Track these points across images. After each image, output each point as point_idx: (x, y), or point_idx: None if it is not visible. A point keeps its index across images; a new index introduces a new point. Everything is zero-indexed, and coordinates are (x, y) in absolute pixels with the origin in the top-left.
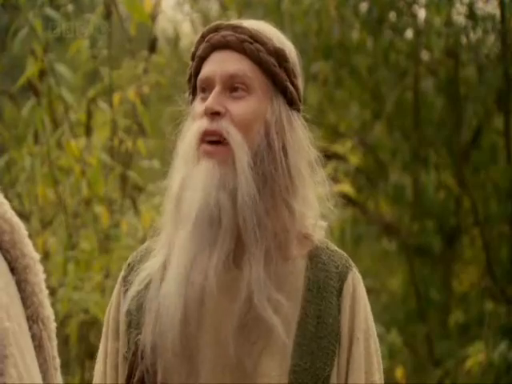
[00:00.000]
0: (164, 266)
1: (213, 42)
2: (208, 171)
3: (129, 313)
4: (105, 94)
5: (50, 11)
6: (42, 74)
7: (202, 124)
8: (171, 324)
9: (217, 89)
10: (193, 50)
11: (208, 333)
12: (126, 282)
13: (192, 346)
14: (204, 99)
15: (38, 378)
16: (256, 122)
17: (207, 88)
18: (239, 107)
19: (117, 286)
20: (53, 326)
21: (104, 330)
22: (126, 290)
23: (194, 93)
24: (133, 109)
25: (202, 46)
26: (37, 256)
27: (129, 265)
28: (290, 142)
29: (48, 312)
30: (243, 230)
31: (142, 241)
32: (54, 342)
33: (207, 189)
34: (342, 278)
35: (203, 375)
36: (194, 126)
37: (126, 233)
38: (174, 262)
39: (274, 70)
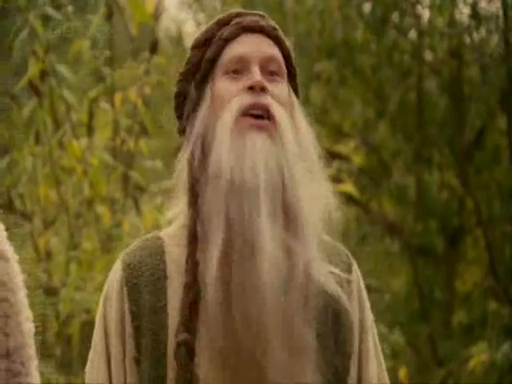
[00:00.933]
0: (231, 242)
1: (244, 25)
2: (262, 140)
3: (137, 316)
4: (106, 95)
5: (51, 11)
6: (44, 74)
7: (247, 98)
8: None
9: (256, 68)
10: (205, 35)
11: (276, 310)
12: (129, 283)
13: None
14: (236, 78)
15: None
16: (286, 108)
17: (241, 68)
18: (277, 89)
19: (115, 288)
20: (31, 327)
21: (100, 331)
22: (130, 293)
23: (205, 76)
24: (134, 109)
25: (228, 29)
26: (10, 250)
27: (128, 265)
28: (303, 132)
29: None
30: (295, 206)
31: None
32: (32, 344)
33: (267, 155)
34: (349, 270)
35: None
36: (236, 101)
37: (127, 233)
38: (260, 233)
39: (292, 63)
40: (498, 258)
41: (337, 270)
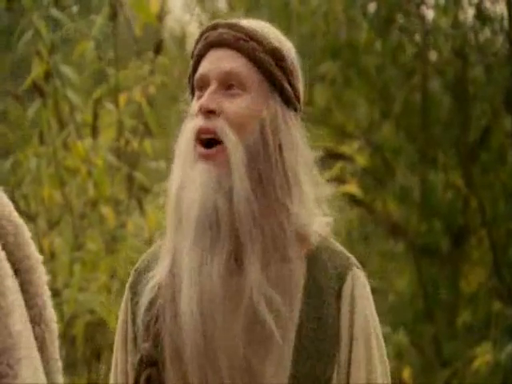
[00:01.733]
0: (172, 272)
1: (209, 40)
2: (204, 174)
3: (135, 323)
4: (111, 95)
5: (55, 12)
6: (48, 75)
7: (197, 122)
8: (191, 329)
9: (212, 87)
10: (192, 48)
11: (220, 337)
12: (133, 288)
13: (209, 349)
14: (200, 97)
15: (43, 379)
16: (251, 120)
17: (203, 86)
18: (234, 105)
19: (125, 293)
20: (55, 327)
21: (116, 337)
22: (133, 298)
23: (193, 92)
24: (139, 109)
25: (199, 45)
26: (40, 258)
27: (135, 270)
28: (285, 141)
29: (51, 314)
30: (240, 231)
31: (148, 241)
32: (56, 344)
33: (204, 192)
34: (341, 279)
35: (222, 377)
36: (190, 125)
37: (132, 233)
38: (184, 269)
39: (269, 69)
40: (503, 259)
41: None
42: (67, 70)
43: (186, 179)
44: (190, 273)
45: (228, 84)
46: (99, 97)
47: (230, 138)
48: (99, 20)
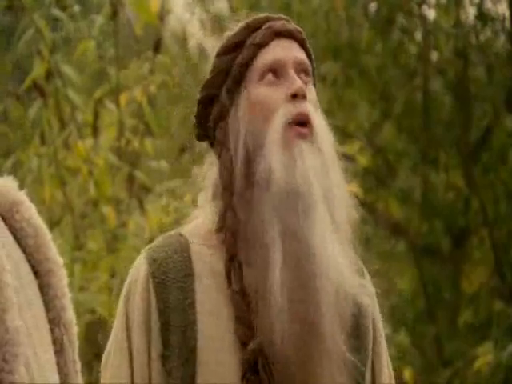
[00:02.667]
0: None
1: (275, 30)
2: (309, 152)
3: (164, 312)
4: (112, 95)
5: (56, 12)
6: (49, 74)
7: (291, 108)
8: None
9: (292, 73)
10: (233, 41)
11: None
12: (156, 278)
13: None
14: (274, 83)
15: (53, 379)
16: (317, 109)
17: (278, 71)
18: (310, 94)
19: (140, 283)
20: (74, 330)
21: (121, 328)
22: (157, 286)
23: (239, 81)
24: (139, 109)
25: (260, 34)
26: (61, 261)
27: (155, 260)
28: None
29: (70, 316)
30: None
31: (149, 241)
32: (75, 346)
33: (315, 168)
34: (363, 274)
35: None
36: (282, 112)
37: (132, 233)
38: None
39: (314, 65)
40: (504, 258)
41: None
42: (68, 70)
43: (289, 157)
44: (329, 247)
45: (301, 74)
46: (100, 96)
47: (321, 122)
48: (100, 20)
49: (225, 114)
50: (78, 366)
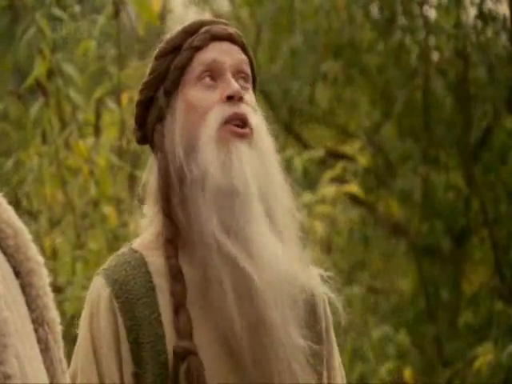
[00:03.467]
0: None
1: (213, 33)
2: (247, 151)
3: (133, 330)
4: (113, 94)
5: (57, 11)
6: (50, 74)
7: (226, 109)
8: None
9: (229, 76)
10: (171, 44)
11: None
12: (119, 297)
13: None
14: (211, 86)
15: (43, 375)
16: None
17: (216, 74)
18: (248, 96)
19: (103, 305)
20: (58, 328)
21: (87, 351)
22: (122, 306)
23: (174, 87)
24: None
25: (196, 38)
26: (41, 260)
27: (116, 280)
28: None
29: (53, 315)
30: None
31: None
32: (60, 345)
33: (253, 167)
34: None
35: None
36: (216, 112)
37: (133, 233)
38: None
39: (254, 69)
40: (505, 259)
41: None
42: (69, 69)
43: (225, 154)
44: (266, 245)
45: (240, 76)
46: (101, 96)
47: (259, 123)
48: (101, 19)
49: (161, 117)
50: (65, 364)
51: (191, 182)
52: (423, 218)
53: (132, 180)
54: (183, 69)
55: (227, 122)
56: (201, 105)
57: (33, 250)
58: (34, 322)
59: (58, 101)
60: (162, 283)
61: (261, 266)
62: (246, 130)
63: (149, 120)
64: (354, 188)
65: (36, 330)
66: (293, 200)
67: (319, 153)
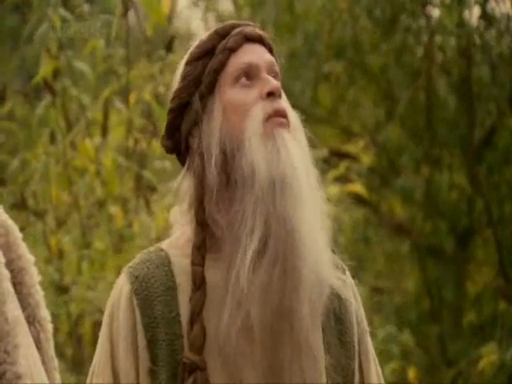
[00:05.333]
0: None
1: (246, 34)
2: (291, 141)
3: (150, 327)
4: (121, 94)
5: (63, 12)
6: (57, 73)
7: (267, 105)
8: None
9: (266, 75)
10: (204, 48)
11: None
12: (139, 295)
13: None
14: (248, 86)
15: (43, 373)
16: None
17: (252, 74)
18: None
19: (123, 301)
20: (50, 327)
21: (106, 345)
22: (141, 305)
23: (210, 90)
24: (148, 109)
25: (229, 39)
26: (32, 258)
27: (137, 277)
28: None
29: (44, 313)
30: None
31: (155, 241)
32: (51, 343)
33: (298, 154)
34: (344, 271)
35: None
36: (258, 109)
37: (139, 233)
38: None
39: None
40: (508, 259)
41: (338, 272)
42: (80, 65)
43: (272, 145)
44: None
45: (271, 75)
46: (109, 96)
47: (297, 120)
48: (111, 19)
49: (198, 121)
50: (56, 362)
51: (238, 181)
52: (427, 217)
53: (138, 180)
54: (219, 71)
55: (269, 117)
56: (241, 104)
57: (23, 249)
58: (25, 320)
59: (64, 100)
60: (184, 284)
61: (306, 261)
62: (286, 121)
63: (183, 126)
64: (357, 187)
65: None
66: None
67: (323, 152)
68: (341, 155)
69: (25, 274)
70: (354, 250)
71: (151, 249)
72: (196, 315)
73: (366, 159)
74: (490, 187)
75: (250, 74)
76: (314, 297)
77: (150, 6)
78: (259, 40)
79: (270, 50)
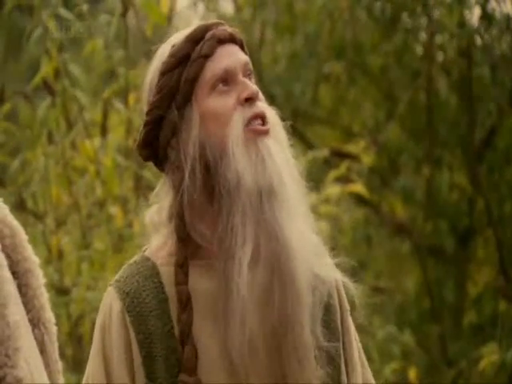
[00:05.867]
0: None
1: (219, 37)
2: (274, 148)
3: (145, 344)
4: (120, 94)
5: (63, 12)
6: (57, 73)
7: (246, 111)
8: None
9: (241, 77)
10: (178, 56)
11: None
12: (132, 312)
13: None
14: (225, 92)
15: (46, 377)
16: None
17: (229, 79)
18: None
19: (116, 318)
20: (54, 329)
21: (99, 365)
22: (134, 320)
23: (186, 100)
24: None
25: (206, 44)
26: (37, 260)
27: (127, 294)
28: None
29: (49, 315)
30: None
31: None
32: (56, 346)
33: (283, 163)
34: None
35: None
36: (238, 115)
37: (139, 233)
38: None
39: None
40: (509, 259)
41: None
42: (76, 69)
43: (256, 154)
44: (302, 245)
45: (246, 75)
46: (109, 96)
47: (275, 119)
48: (110, 19)
49: (176, 132)
50: (60, 365)
51: (224, 191)
52: (427, 217)
53: (138, 180)
54: (195, 80)
55: (249, 122)
56: (220, 112)
57: (29, 250)
58: (30, 322)
59: (64, 101)
60: (174, 296)
61: (299, 268)
62: (268, 127)
63: (161, 136)
64: (358, 187)
65: (32, 331)
66: (305, 191)
67: (323, 153)
68: (341, 155)
69: (30, 276)
70: (355, 250)
71: (137, 259)
72: (186, 336)
73: (367, 159)
74: (491, 187)
75: (226, 79)
76: (310, 299)
77: (149, 6)
78: (231, 40)
79: (241, 46)
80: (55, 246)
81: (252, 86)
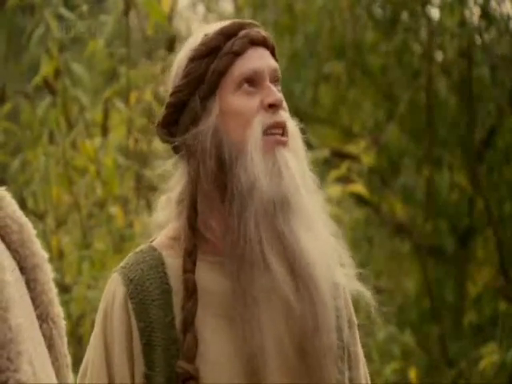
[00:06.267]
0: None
1: (251, 38)
2: (292, 161)
3: (146, 332)
4: (121, 94)
5: (64, 11)
6: (58, 73)
7: (267, 117)
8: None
9: (268, 82)
10: (208, 46)
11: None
12: (134, 299)
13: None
14: (250, 93)
15: (53, 375)
16: None
17: (256, 81)
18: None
19: (118, 304)
20: (63, 323)
21: (99, 349)
22: (136, 307)
23: (211, 92)
24: (149, 108)
25: (235, 42)
26: (45, 255)
27: (131, 280)
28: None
29: (58, 310)
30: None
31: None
32: (65, 340)
33: (299, 175)
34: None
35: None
36: (258, 121)
37: (139, 233)
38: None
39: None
40: (509, 259)
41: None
42: (77, 68)
43: (273, 164)
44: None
45: (274, 82)
46: (110, 95)
47: (296, 131)
48: (111, 19)
49: (196, 121)
50: (69, 359)
51: (237, 192)
52: (427, 217)
53: (139, 180)
54: (222, 74)
55: (269, 129)
56: (243, 112)
57: (37, 245)
58: (38, 318)
59: (65, 101)
60: (178, 286)
61: (316, 274)
62: (287, 138)
63: (181, 122)
64: (358, 188)
65: (40, 326)
66: (322, 202)
67: (324, 153)
68: (342, 155)
69: (39, 271)
70: (355, 250)
71: (144, 248)
72: (189, 324)
73: (367, 159)
74: (491, 187)
75: (253, 80)
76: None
77: (150, 5)
78: (264, 44)
79: (273, 52)
80: (56, 246)
81: (278, 93)
